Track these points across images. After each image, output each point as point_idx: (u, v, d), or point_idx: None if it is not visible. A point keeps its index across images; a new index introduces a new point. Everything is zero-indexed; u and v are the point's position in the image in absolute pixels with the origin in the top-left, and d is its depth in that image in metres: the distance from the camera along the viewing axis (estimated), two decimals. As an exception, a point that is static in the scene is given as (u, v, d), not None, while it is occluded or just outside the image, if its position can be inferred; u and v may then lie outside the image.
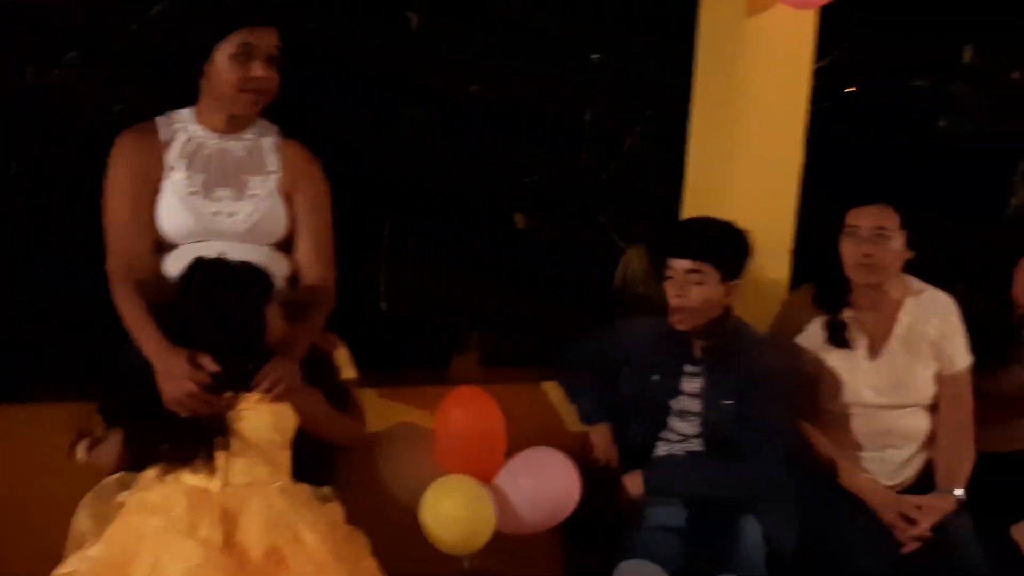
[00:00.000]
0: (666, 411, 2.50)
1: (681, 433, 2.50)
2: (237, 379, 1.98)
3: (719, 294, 2.38)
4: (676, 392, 2.48)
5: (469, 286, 3.67)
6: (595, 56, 4.07)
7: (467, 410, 2.33)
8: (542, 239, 3.99)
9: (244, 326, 1.99)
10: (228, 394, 1.98)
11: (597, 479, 2.43)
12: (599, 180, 4.31)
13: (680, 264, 2.37)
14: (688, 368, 2.48)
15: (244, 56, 2.11)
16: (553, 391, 2.75)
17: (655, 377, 2.48)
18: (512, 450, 2.41)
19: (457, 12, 3.56)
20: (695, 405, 2.46)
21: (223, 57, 2.11)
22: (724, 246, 2.41)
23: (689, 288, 2.36)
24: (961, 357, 2.55)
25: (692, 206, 2.93)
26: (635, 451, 2.51)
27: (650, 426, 2.51)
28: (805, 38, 2.82)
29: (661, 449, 2.52)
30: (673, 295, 2.38)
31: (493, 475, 2.37)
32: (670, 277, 2.40)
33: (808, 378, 2.54)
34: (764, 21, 2.73)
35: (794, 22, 2.76)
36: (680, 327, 2.42)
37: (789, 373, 2.44)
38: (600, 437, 2.53)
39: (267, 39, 2.12)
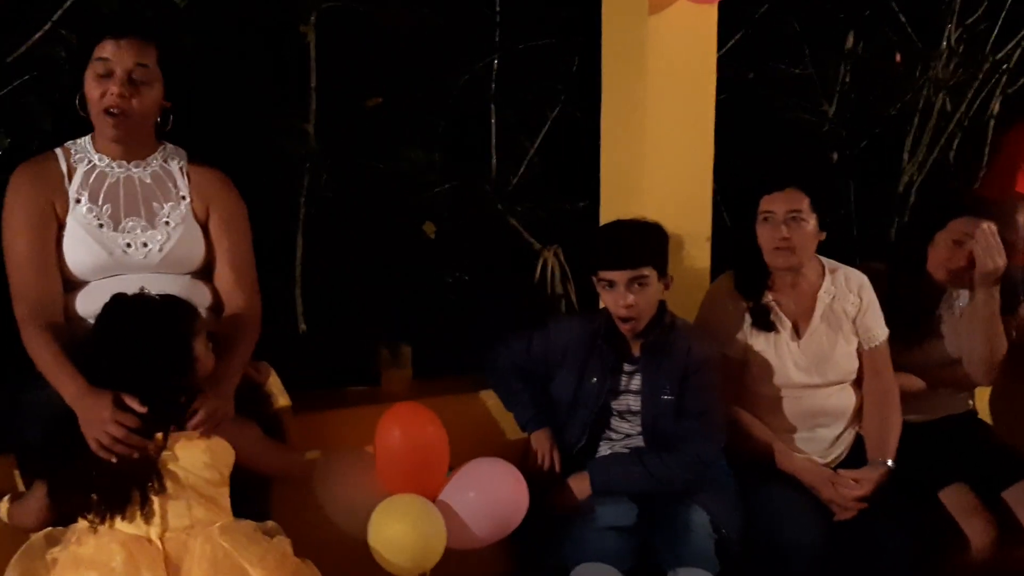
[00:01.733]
0: (608, 412, 2.50)
1: (623, 432, 2.51)
2: (167, 418, 1.89)
3: (657, 293, 2.41)
4: (617, 393, 2.49)
5: (389, 299, 3.61)
6: (496, 58, 4.08)
7: (407, 427, 2.28)
8: (456, 246, 3.98)
9: (171, 362, 1.90)
10: (158, 435, 1.88)
11: (542, 484, 2.41)
12: (508, 183, 4.33)
13: (621, 275, 2.37)
14: (627, 367, 2.49)
15: (103, 74, 2.01)
16: (490, 399, 2.72)
17: (593, 379, 2.48)
18: (454, 464, 2.37)
19: (351, 26, 3.51)
20: (636, 403, 2.47)
21: (87, 76, 2.03)
22: (656, 245, 2.43)
23: (636, 294, 2.36)
24: (880, 330, 2.63)
25: (608, 203, 2.95)
26: (578, 453, 2.51)
27: (592, 427, 2.51)
28: (708, 32, 2.87)
29: (604, 449, 2.53)
30: (620, 306, 2.38)
31: (438, 491, 2.32)
32: (608, 288, 2.40)
33: (737, 364, 2.58)
34: (667, 17, 2.77)
35: (697, 17, 2.81)
36: (631, 334, 2.43)
37: (717, 360, 2.48)
38: (541, 442, 2.51)
39: (126, 56, 2.01)
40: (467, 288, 4.00)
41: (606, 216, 2.92)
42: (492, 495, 2.33)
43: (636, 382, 2.47)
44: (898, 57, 6.30)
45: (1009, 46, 6.25)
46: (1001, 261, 2.58)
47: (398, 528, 2.18)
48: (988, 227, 2.58)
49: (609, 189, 2.98)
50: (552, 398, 2.55)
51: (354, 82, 3.63)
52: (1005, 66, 5.31)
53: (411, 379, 2.93)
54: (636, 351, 2.47)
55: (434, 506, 2.26)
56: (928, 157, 5.66)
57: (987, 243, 2.57)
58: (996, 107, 5.36)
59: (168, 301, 1.95)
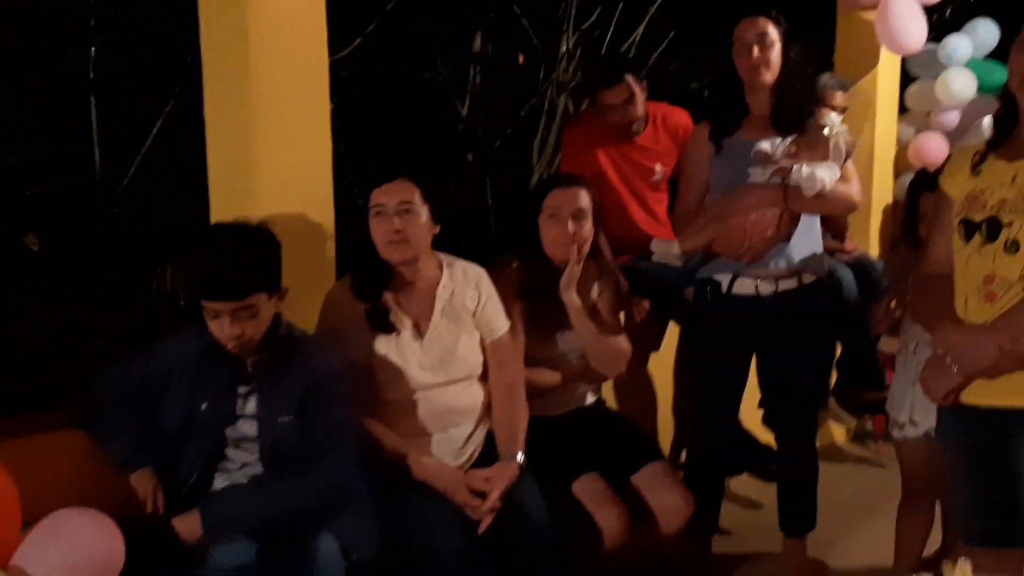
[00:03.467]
0: (222, 440, 2.24)
1: (241, 461, 2.26)
2: None
3: (271, 312, 2.19)
4: (232, 418, 2.23)
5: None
6: (93, 45, 3.62)
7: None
8: (59, 260, 3.46)
9: None
10: None
11: (150, 530, 2.10)
12: (117, 189, 3.87)
13: (225, 307, 2.11)
14: (241, 389, 2.23)
15: None
16: (81, 437, 2.32)
17: (204, 404, 2.21)
18: (32, 518, 1.98)
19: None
20: (253, 429, 2.23)
21: None
22: (263, 265, 2.18)
23: (244, 324, 2.12)
24: (500, 322, 2.61)
25: (219, 205, 2.66)
26: (192, 488, 2.22)
27: (205, 458, 2.24)
28: (316, 21, 2.67)
29: (220, 481, 2.26)
30: (228, 336, 2.12)
31: (9, 555, 1.93)
32: (213, 316, 2.13)
33: (361, 371, 2.43)
34: (269, 2, 2.54)
35: (303, 5, 2.61)
36: (241, 352, 2.18)
37: (343, 372, 2.30)
38: (142, 483, 2.19)
39: None
40: (69, 306, 3.50)
41: (217, 217, 2.63)
42: (79, 551, 1.98)
43: (252, 405, 2.22)
44: (521, 58, 6.61)
45: (622, 49, 6.79)
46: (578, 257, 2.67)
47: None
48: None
49: (219, 190, 2.69)
50: (159, 430, 2.23)
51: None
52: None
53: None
54: (251, 369, 2.22)
55: (4, 574, 1.88)
56: (555, 156, 5.96)
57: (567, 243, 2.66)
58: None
59: None
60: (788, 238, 2.84)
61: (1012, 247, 1.96)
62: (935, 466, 2.53)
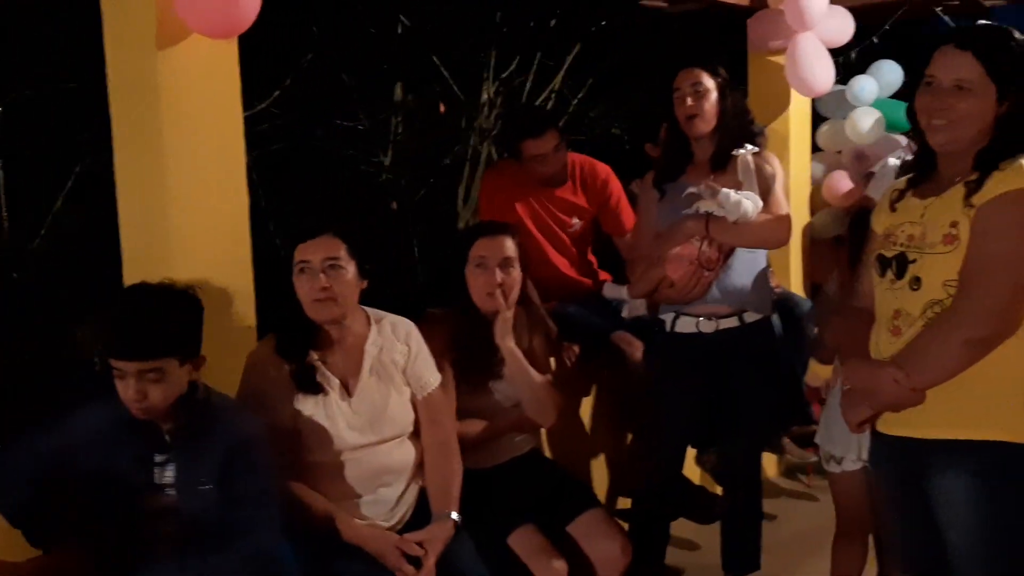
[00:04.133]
0: (140, 514, 2.12)
1: (162, 536, 2.14)
2: None
3: (181, 380, 2.10)
4: (150, 487, 2.12)
5: None
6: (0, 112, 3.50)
7: None
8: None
9: None
10: None
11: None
12: (25, 252, 3.74)
13: (131, 366, 2.02)
14: (158, 457, 2.13)
15: None
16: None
17: (123, 474, 2.10)
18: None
19: None
20: (173, 498, 2.12)
21: None
22: (181, 328, 2.10)
23: (149, 388, 2.03)
24: (431, 377, 2.55)
25: (132, 265, 2.57)
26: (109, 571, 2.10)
27: (121, 536, 2.11)
28: (229, 71, 2.62)
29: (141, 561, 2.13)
30: (130, 399, 2.04)
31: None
32: (119, 377, 2.04)
33: (287, 434, 2.34)
34: (180, 53, 2.48)
35: (215, 53, 2.55)
36: (140, 417, 2.08)
37: (265, 437, 2.21)
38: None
39: None
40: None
41: (130, 279, 2.53)
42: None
43: (170, 473, 2.12)
44: (442, 107, 6.63)
45: (542, 96, 6.87)
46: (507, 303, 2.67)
47: None
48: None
49: (131, 249, 2.59)
50: (76, 510, 2.10)
51: None
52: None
53: None
54: (168, 437, 2.13)
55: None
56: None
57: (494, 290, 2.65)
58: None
59: None
60: (717, 272, 2.86)
61: (915, 283, 1.99)
62: (868, 499, 2.54)
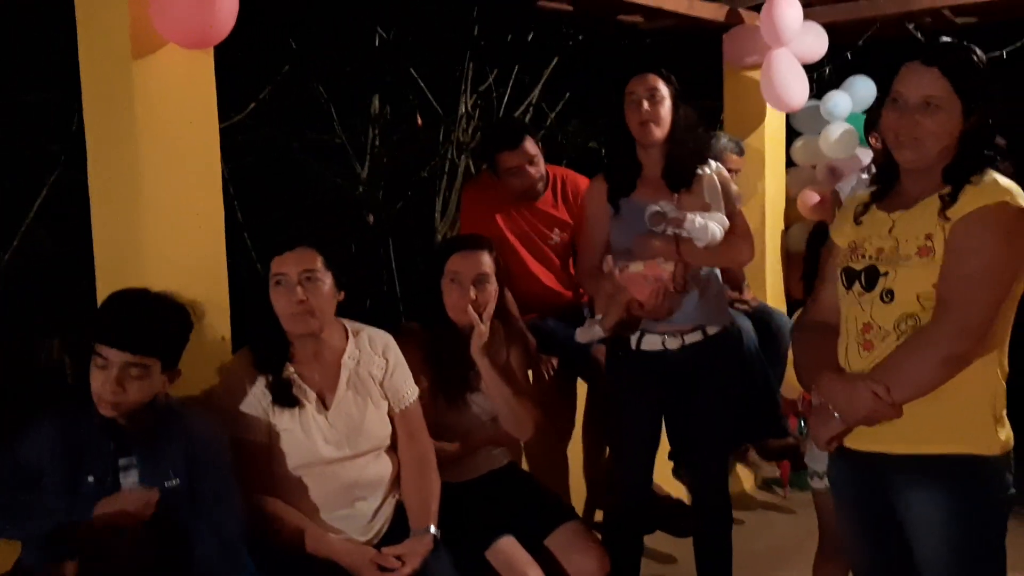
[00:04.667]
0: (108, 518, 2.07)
1: (128, 540, 2.11)
2: None
3: (160, 386, 2.12)
4: (118, 490, 2.11)
5: None
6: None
7: None
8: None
9: None
10: None
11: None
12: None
13: (118, 357, 2.04)
14: (122, 461, 2.13)
15: None
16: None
17: (90, 479, 2.09)
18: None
19: None
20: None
21: None
22: (171, 334, 2.15)
23: (129, 383, 2.05)
24: (409, 390, 2.53)
25: (105, 277, 2.55)
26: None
27: (87, 543, 2.06)
28: (205, 82, 2.60)
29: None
30: (107, 391, 2.04)
31: None
32: (100, 368, 2.05)
33: (261, 448, 2.33)
34: (155, 63, 2.46)
35: (190, 64, 2.54)
36: (107, 414, 2.08)
37: (225, 441, 2.24)
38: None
39: None
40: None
41: (104, 291, 2.51)
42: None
43: (134, 475, 2.12)
44: (419, 121, 6.61)
45: (520, 109, 6.88)
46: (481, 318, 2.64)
47: None
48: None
49: (105, 260, 2.57)
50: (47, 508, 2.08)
51: None
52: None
53: None
54: (131, 440, 2.13)
55: None
56: (458, 215, 5.95)
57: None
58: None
59: None
60: (686, 291, 2.86)
61: (888, 296, 1.99)
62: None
